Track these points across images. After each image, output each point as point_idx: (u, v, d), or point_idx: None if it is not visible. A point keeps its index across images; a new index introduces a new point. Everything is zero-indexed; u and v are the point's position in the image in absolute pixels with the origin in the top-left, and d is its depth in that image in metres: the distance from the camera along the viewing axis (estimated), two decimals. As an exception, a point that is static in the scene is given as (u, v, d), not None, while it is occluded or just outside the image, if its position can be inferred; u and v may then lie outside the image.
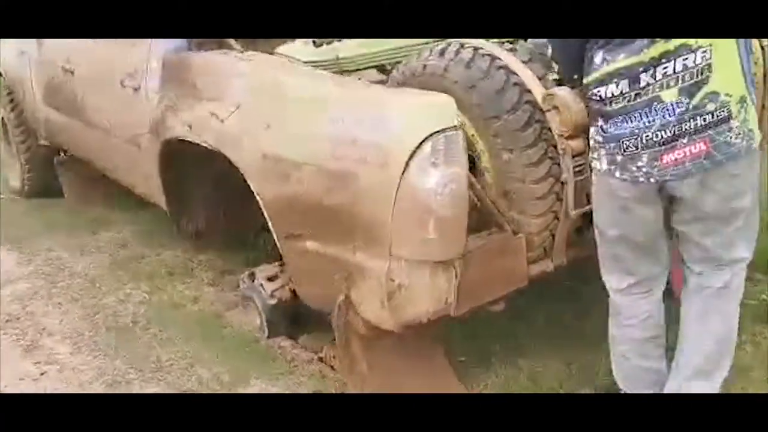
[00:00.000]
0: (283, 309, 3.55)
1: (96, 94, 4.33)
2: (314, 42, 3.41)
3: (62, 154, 5.58)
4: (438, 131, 2.40)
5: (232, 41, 3.66)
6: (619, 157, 2.38)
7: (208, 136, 3.12)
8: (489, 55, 2.86)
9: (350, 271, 2.76)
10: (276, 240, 3.02)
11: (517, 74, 2.82)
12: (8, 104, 5.79)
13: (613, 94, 2.35)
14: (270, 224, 2.99)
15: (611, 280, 2.66)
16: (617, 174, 2.41)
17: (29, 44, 5.23)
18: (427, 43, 3.37)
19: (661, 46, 2.28)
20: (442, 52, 2.93)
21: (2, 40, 5.59)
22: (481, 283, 2.71)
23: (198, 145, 3.28)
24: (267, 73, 2.98)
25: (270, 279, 3.53)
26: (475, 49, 2.89)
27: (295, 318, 3.61)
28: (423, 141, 2.40)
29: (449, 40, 2.99)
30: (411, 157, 2.42)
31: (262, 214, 3.52)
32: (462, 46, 2.93)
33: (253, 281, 3.69)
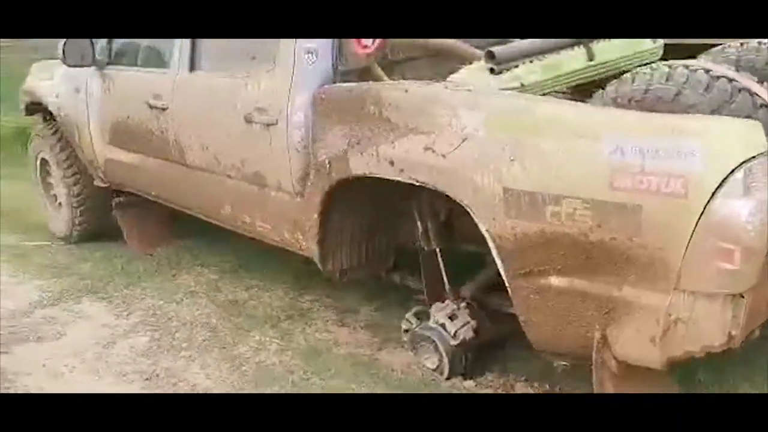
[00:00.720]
0: (465, 349, 3.41)
1: (201, 131, 4.08)
2: (491, 70, 3.26)
3: (118, 196, 5.28)
4: (749, 158, 2.30)
5: (379, 72, 3.52)
6: None
7: (419, 171, 2.93)
8: (724, 76, 2.80)
9: (611, 307, 2.63)
10: (505, 277, 2.85)
11: (758, 95, 2.77)
12: (56, 144, 5.46)
13: None
14: (500, 262, 2.82)
15: None
16: None
17: (86, 83, 4.95)
18: (618, 65, 3.30)
19: None
20: (668, 77, 2.85)
21: (53, 80, 5.29)
22: (752, 311, 2.61)
23: (379, 181, 3.11)
24: (507, 101, 2.81)
25: (450, 318, 3.38)
26: (706, 70, 2.82)
27: (474, 357, 3.47)
28: (734, 169, 2.29)
29: (670, 62, 2.91)
30: (719, 186, 2.31)
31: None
32: (687, 67, 2.85)
33: (420, 321, 3.55)
